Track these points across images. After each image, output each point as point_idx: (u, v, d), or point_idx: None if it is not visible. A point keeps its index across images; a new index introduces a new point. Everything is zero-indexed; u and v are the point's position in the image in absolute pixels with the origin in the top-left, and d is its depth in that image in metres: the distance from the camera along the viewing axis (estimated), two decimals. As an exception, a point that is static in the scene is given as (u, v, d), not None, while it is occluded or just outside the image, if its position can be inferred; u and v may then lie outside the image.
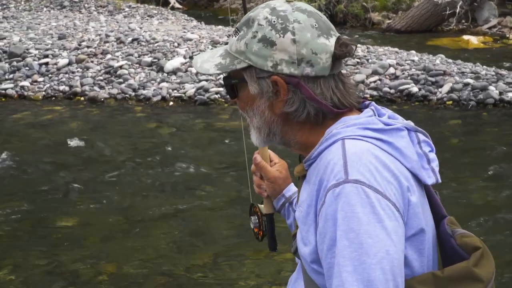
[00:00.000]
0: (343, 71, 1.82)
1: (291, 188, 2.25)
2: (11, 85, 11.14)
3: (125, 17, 17.93)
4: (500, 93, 10.35)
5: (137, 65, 11.67)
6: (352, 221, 1.55)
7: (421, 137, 1.76)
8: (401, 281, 1.55)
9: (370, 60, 11.71)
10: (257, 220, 2.28)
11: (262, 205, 2.30)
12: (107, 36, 13.05)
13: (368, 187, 1.58)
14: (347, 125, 1.72)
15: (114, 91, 10.88)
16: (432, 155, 1.75)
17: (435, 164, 1.73)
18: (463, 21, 17.84)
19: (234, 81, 1.83)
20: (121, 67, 11.51)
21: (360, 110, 1.82)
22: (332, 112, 1.76)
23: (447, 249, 1.73)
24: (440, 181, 1.72)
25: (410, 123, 1.77)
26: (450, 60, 11.90)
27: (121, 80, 11.18)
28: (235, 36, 1.79)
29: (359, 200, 1.56)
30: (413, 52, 12.60)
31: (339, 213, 1.56)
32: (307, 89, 1.76)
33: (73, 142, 8.82)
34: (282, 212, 2.26)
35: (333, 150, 1.67)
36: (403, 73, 11.13)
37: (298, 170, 1.85)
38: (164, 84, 11.00)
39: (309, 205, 1.70)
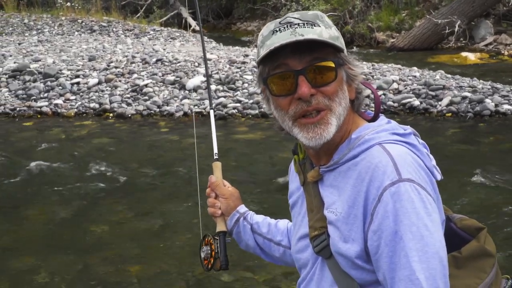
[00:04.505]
0: None
1: (243, 207, 2.26)
2: (46, 103, 11.33)
3: (150, 39, 18.09)
4: (496, 105, 10.36)
5: (161, 83, 11.79)
6: (412, 216, 1.58)
7: (420, 140, 1.80)
8: (447, 264, 1.63)
9: (375, 76, 11.76)
10: (209, 248, 2.18)
11: (211, 236, 2.21)
12: (133, 57, 13.21)
13: (417, 185, 1.62)
14: (376, 131, 1.72)
15: (140, 107, 11.02)
16: (431, 155, 1.79)
17: (435, 162, 1.78)
18: (461, 39, 17.84)
19: (340, 61, 1.73)
20: (146, 85, 11.65)
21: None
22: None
23: (445, 232, 1.74)
24: (442, 178, 1.78)
25: (410, 128, 1.81)
26: (449, 75, 11.92)
27: (146, 97, 11.32)
28: (313, 27, 1.69)
29: (415, 196, 1.60)
30: (415, 68, 12.62)
31: (399, 210, 1.59)
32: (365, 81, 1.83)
33: (103, 154, 8.96)
34: (236, 230, 2.23)
35: (375, 154, 1.67)
36: (406, 88, 11.17)
37: (314, 175, 1.82)
38: (186, 101, 11.12)
39: (351, 206, 1.68)
